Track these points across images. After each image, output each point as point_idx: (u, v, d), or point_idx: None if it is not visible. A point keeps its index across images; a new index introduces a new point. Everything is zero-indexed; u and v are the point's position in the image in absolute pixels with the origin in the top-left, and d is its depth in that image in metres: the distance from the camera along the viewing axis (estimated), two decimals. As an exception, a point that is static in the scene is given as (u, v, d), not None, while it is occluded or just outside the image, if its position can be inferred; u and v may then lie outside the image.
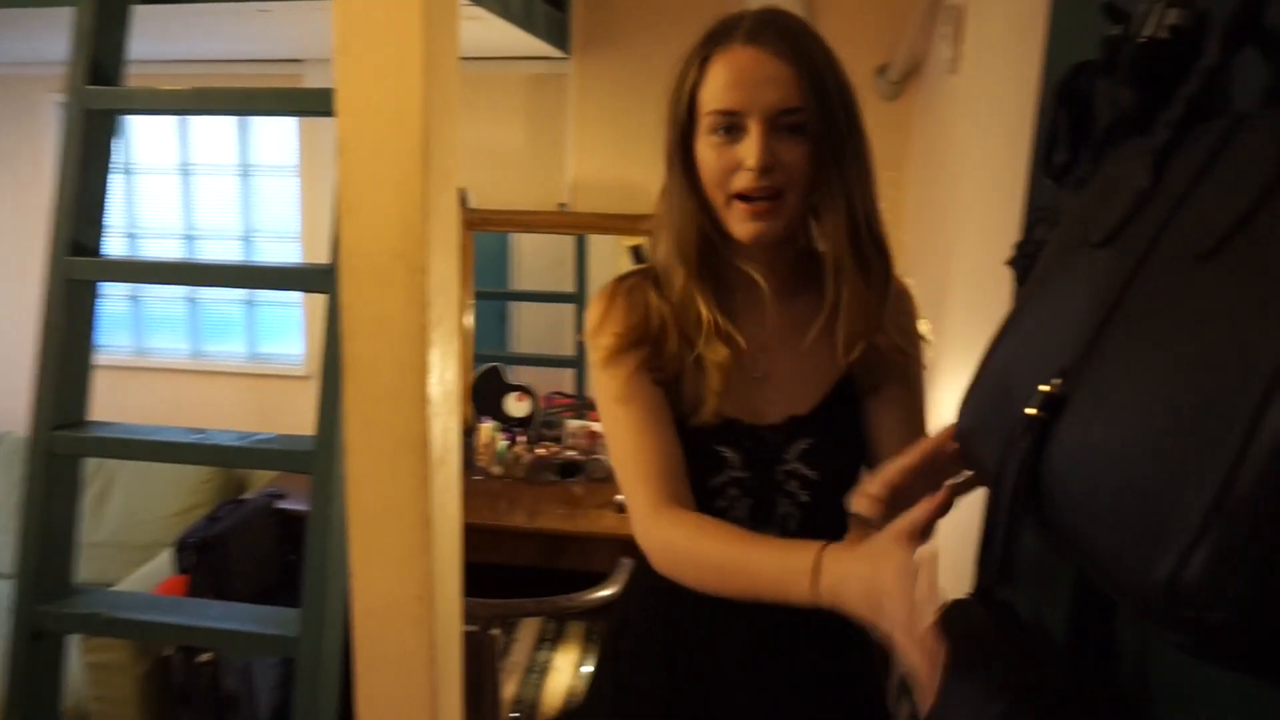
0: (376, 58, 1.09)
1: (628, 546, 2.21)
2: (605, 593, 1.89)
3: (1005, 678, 0.74)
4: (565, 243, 2.87)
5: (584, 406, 2.85)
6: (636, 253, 2.80)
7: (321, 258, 1.36)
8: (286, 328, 3.27)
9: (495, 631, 1.73)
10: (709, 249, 1.03)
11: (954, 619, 0.87)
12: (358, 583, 1.25)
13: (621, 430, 1.04)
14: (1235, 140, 0.48)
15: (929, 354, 1.14)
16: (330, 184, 1.17)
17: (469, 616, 1.76)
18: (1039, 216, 0.74)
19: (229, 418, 3.17)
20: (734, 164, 0.95)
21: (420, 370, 1.16)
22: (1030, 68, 1.07)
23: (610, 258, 2.84)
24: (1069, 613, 0.73)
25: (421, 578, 1.22)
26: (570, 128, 2.70)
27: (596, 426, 2.67)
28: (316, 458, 1.35)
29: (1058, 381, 0.52)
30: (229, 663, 2.00)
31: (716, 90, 0.95)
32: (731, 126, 0.95)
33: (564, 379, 2.98)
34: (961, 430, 0.64)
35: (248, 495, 2.49)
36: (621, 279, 1.11)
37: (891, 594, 0.67)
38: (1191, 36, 0.54)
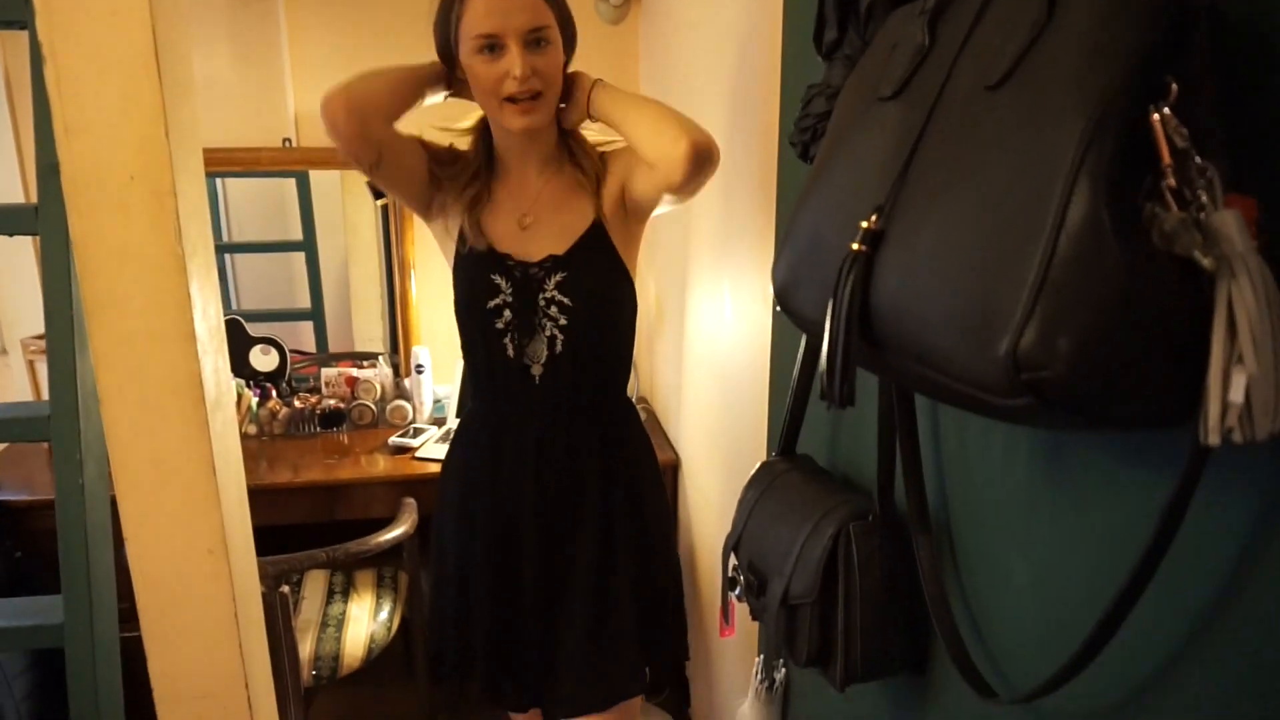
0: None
1: (408, 487, 2.17)
2: (396, 533, 1.84)
3: (813, 506, 0.84)
4: (285, 185, 2.65)
5: (326, 360, 2.69)
6: (374, 187, 2.66)
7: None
8: None
9: (284, 589, 1.63)
10: (489, 138, 1.37)
11: (762, 475, 0.96)
12: (135, 547, 1.14)
13: None
14: (996, -2, 0.56)
15: None
16: None
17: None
18: (814, 92, 0.80)
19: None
20: (501, 74, 1.20)
21: (182, 305, 1.05)
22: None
23: (339, 197, 2.67)
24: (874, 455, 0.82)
25: (213, 530, 1.13)
26: (285, 55, 2.48)
27: (355, 372, 2.55)
28: (56, 421, 1.19)
29: (875, 218, 0.58)
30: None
31: (477, 17, 1.20)
32: (494, 45, 1.20)
33: (302, 334, 2.77)
34: (779, 287, 0.70)
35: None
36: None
37: None
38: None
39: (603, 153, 1.38)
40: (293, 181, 2.62)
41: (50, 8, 0.96)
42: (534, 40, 1.20)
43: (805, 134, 0.82)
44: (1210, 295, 0.41)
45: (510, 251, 1.36)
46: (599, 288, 1.37)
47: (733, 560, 0.93)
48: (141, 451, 1.09)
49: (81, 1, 0.97)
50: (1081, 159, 0.44)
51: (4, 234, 1.23)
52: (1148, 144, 0.44)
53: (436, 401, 2.56)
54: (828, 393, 0.59)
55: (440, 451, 2.29)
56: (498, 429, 1.43)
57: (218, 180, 2.61)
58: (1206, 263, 0.41)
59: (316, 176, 2.61)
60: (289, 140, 2.51)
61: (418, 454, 2.27)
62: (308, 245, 2.69)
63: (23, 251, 2.54)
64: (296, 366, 2.65)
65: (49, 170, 1.06)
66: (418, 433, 2.39)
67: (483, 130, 1.39)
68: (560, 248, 1.34)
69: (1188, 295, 0.42)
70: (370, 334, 2.81)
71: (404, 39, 2.50)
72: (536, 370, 1.38)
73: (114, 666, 1.21)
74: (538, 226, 1.36)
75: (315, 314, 2.74)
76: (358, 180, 2.63)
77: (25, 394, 2.47)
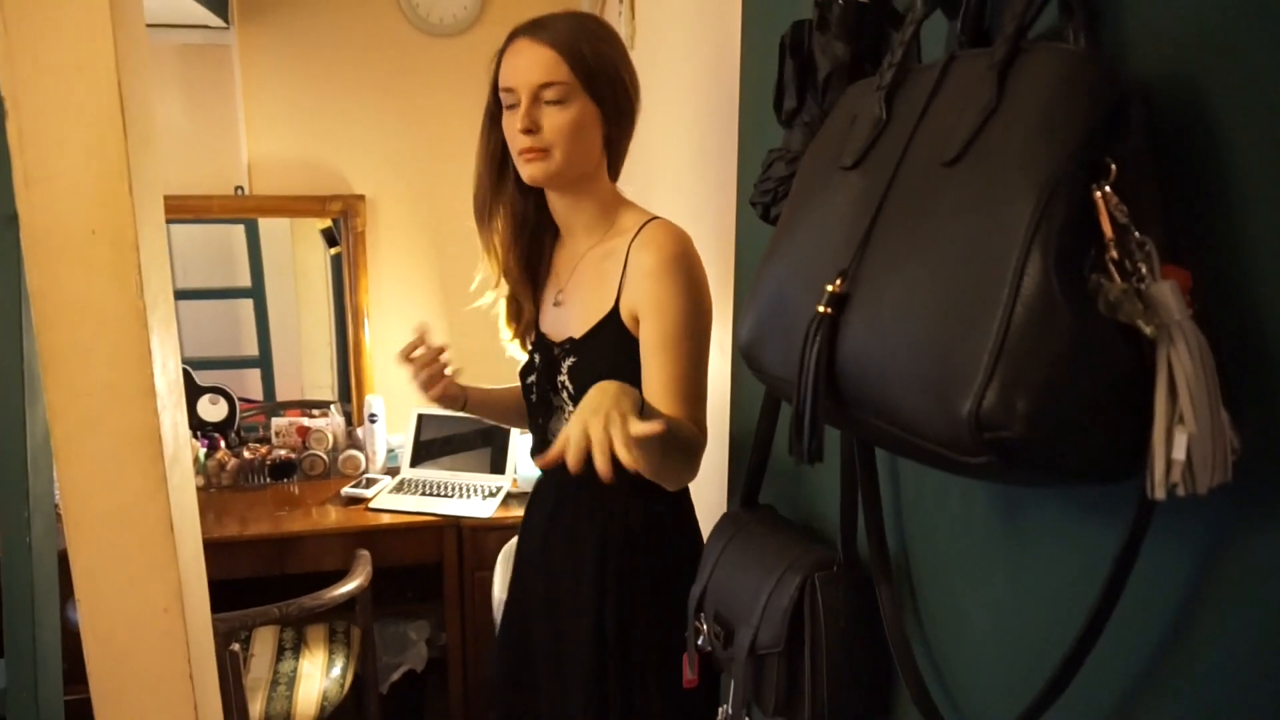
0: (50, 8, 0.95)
1: (361, 538, 2.14)
2: (350, 586, 1.81)
3: (778, 556, 0.86)
4: (234, 232, 2.63)
5: (275, 409, 2.64)
6: (328, 235, 2.66)
7: None
8: None
9: (234, 647, 1.59)
10: (534, 203, 1.33)
11: (725, 526, 0.98)
12: (87, 606, 1.11)
13: None
14: (950, 74, 0.60)
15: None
16: None
17: (198, 636, 1.60)
18: (775, 157, 0.84)
19: None
20: (513, 129, 1.21)
21: (143, 359, 1.05)
22: (728, 35, 1.20)
23: (288, 244, 2.65)
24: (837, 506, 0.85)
25: (169, 588, 1.11)
26: (239, 104, 2.48)
27: (306, 422, 2.52)
28: (3, 475, 1.16)
29: (840, 282, 0.61)
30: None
31: (503, 74, 1.22)
32: (513, 103, 1.21)
33: (249, 381, 2.73)
34: (744, 344, 0.73)
35: None
36: None
37: None
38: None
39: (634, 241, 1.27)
40: (241, 228, 2.60)
41: (13, 61, 0.97)
42: (548, 98, 1.20)
43: (766, 195, 0.86)
44: (1153, 359, 0.45)
45: (545, 329, 1.36)
46: (607, 376, 1.21)
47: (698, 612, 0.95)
48: (97, 507, 1.07)
49: (46, 56, 0.97)
50: (1033, 234, 0.48)
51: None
52: (1092, 219, 0.48)
53: (390, 451, 2.54)
54: (796, 449, 0.62)
55: (393, 502, 2.26)
56: (532, 501, 1.48)
57: (167, 227, 2.58)
58: (1148, 331, 0.45)
59: (266, 223, 2.60)
60: (241, 188, 2.50)
61: (371, 505, 2.25)
62: (256, 292, 2.67)
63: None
64: (245, 415, 2.61)
65: (5, 220, 1.05)
66: (370, 483, 2.36)
67: (482, 201, 1.35)
68: (579, 330, 1.29)
69: (1133, 359, 0.46)
70: (319, 381, 2.78)
71: (357, 89, 2.53)
72: None
73: (57, 732, 1.17)
74: (568, 305, 1.33)
75: (263, 361, 2.71)
76: (308, 227, 2.63)
77: None
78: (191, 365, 2.59)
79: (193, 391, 2.49)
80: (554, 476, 1.41)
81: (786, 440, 0.65)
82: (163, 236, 1.13)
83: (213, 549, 2.08)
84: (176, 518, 1.11)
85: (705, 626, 0.94)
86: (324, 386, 2.78)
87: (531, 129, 1.19)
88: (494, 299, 1.42)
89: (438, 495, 2.32)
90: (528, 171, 1.23)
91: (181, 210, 2.45)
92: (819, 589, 0.80)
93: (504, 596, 1.94)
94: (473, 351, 1.75)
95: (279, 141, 2.53)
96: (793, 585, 0.80)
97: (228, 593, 2.39)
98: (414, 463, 2.47)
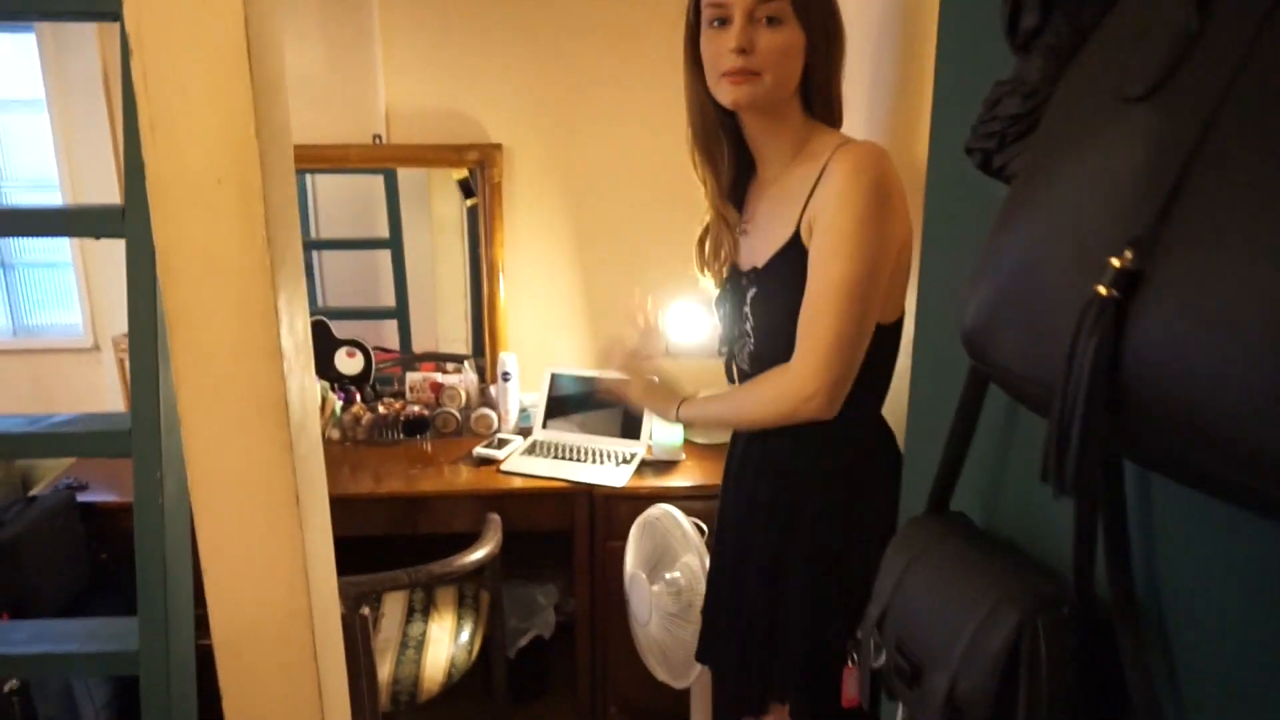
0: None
1: (492, 501, 2.09)
2: (480, 554, 1.76)
3: (983, 586, 0.70)
4: (373, 182, 2.60)
5: (410, 361, 2.63)
6: (465, 186, 2.60)
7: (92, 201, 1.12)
8: (57, 294, 2.80)
9: (364, 611, 1.56)
10: (729, 127, 1.29)
11: (912, 537, 0.82)
12: (212, 576, 1.07)
13: None
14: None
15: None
16: (91, 119, 0.95)
17: (331, 596, 1.58)
18: (1004, 90, 0.67)
19: (-2, 400, 2.71)
20: (722, 48, 1.16)
21: (268, 319, 0.97)
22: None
23: (425, 195, 2.60)
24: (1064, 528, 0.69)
25: (294, 561, 1.05)
26: (378, 50, 2.43)
27: (440, 377, 2.49)
28: (137, 437, 1.13)
29: (1130, 255, 0.45)
30: (44, 686, 1.70)
31: None
32: (722, 19, 1.16)
33: (385, 332, 2.73)
34: (970, 329, 0.57)
35: (38, 491, 2.12)
36: None
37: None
38: None
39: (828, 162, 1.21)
40: (380, 178, 2.57)
41: (140, -5, 0.89)
42: (763, 17, 1.15)
43: (990, 139, 0.68)
44: None
45: (738, 259, 1.35)
46: (782, 311, 1.23)
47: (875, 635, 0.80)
48: (221, 475, 1.02)
49: (171, -12, 0.90)
50: None
51: (89, 236, 1.18)
52: None
53: (523, 410, 2.48)
54: (1052, 476, 0.46)
55: (525, 465, 2.20)
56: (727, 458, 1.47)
57: (306, 176, 2.58)
58: None
59: (404, 174, 2.56)
60: (379, 137, 2.46)
61: (502, 467, 2.19)
62: (394, 243, 2.64)
63: (115, 248, 2.55)
64: (381, 367, 2.61)
65: (135, 171, 0.99)
66: (502, 444, 2.31)
67: (697, 126, 1.32)
68: (761, 259, 1.28)
69: None
70: (454, 335, 2.76)
71: (496, 35, 2.43)
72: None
73: (189, 692, 1.15)
74: (754, 233, 1.32)
75: (400, 313, 2.70)
76: (445, 178, 2.57)
77: (115, 392, 2.48)
78: (330, 315, 2.62)
79: (330, 344, 2.50)
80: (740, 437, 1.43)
81: (991, 437, 0.50)
82: (292, 187, 1.06)
83: (347, 505, 2.10)
84: (303, 488, 1.05)
85: (884, 654, 0.80)
86: (458, 340, 2.75)
87: (746, 48, 1.14)
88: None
89: (570, 460, 2.25)
90: (732, 95, 1.18)
91: (319, 159, 2.43)
92: (1042, 634, 0.64)
93: (636, 572, 1.85)
94: (609, 311, 1.65)
95: (417, 89, 2.47)
96: (1007, 626, 0.65)
97: (360, 549, 2.41)
98: (546, 422, 2.41)
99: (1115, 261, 0.45)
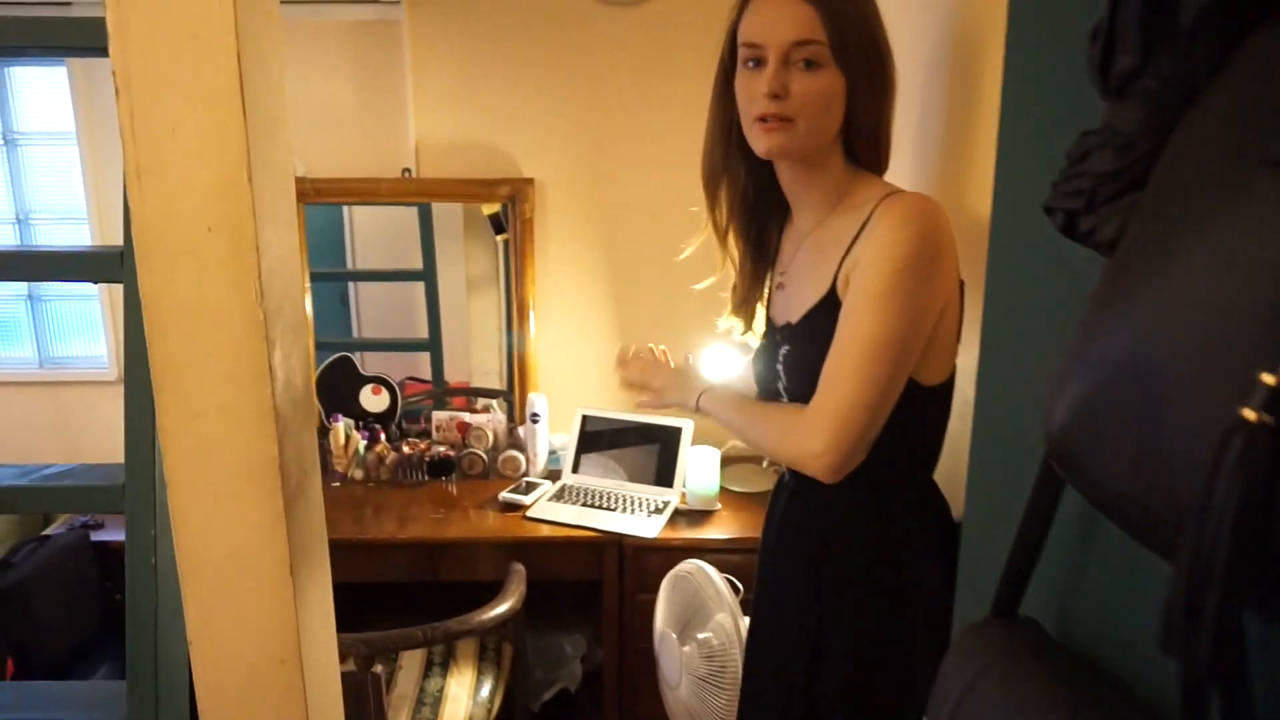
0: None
1: (516, 550, 2.00)
2: (501, 609, 1.67)
3: (1072, 713, 0.60)
4: (408, 215, 2.57)
5: (442, 394, 2.57)
6: (496, 221, 2.54)
7: (119, 240, 1.07)
8: (83, 325, 2.78)
9: (377, 669, 1.47)
10: (765, 175, 1.21)
11: (976, 645, 0.71)
12: (199, 651, 0.99)
13: None
14: None
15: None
16: (120, 152, 0.90)
17: (344, 654, 1.50)
18: (1095, 142, 0.56)
19: (21, 435, 2.68)
20: (756, 92, 1.08)
21: (260, 377, 0.90)
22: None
23: (458, 227, 2.56)
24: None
25: (287, 638, 0.97)
26: (409, 84, 2.39)
27: (467, 417, 2.42)
28: (130, 492, 1.06)
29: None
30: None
31: (747, 26, 1.10)
32: (757, 59, 1.08)
33: (418, 364, 2.69)
34: (1059, 432, 0.47)
35: (53, 530, 2.08)
36: None
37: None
38: None
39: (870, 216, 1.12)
40: (414, 211, 2.54)
41: (126, 31, 0.83)
42: (799, 60, 1.07)
43: (1076, 199, 0.58)
44: None
45: (771, 314, 1.28)
46: (816, 371, 1.13)
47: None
48: (209, 544, 0.94)
49: (161, 22, 0.83)
50: None
51: (87, 281, 1.12)
52: None
53: (552, 453, 2.39)
54: (1175, 646, 0.36)
55: (553, 511, 2.11)
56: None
57: (343, 209, 2.55)
58: None
59: (439, 206, 2.51)
60: (408, 170, 2.42)
61: (529, 513, 2.10)
62: (428, 275, 2.60)
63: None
64: (411, 400, 2.54)
65: (129, 215, 0.93)
66: (530, 487, 2.22)
67: (714, 168, 1.26)
68: (795, 315, 1.19)
69: None
70: (488, 368, 2.70)
71: (529, 68, 2.38)
72: None
73: (181, 770, 1.07)
74: (790, 286, 1.24)
75: (433, 345, 2.65)
76: (480, 213, 2.51)
77: None
78: (364, 347, 2.59)
79: (356, 380, 2.44)
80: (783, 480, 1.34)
81: (1069, 527, 0.39)
82: (293, 234, 0.99)
83: (368, 550, 2.02)
84: (300, 559, 0.97)
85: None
86: (492, 373, 2.70)
87: (779, 94, 1.06)
88: (715, 280, 1.36)
89: (599, 507, 2.15)
90: (765, 143, 1.11)
91: (349, 193, 2.39)
92: (1140, 789, 0.53)
93: (666, 631, 1.75)
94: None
95: (447, 122, 2.42)
96: (1096, 775, 0.54)
97: (381, 594, 2.34)
98: (576, 466, 2.32)
99: (1268, 379, 0.34)
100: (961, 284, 1.13)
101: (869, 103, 1.11)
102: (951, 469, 1.23)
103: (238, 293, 0.88)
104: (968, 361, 1.15)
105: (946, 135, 1.39)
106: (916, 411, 1.13)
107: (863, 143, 1.14)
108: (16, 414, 2.68)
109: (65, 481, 1.08)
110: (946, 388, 1.16)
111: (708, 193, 1.25)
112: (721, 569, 1.76)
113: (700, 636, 1.70)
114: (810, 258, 1.19)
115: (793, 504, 1.28)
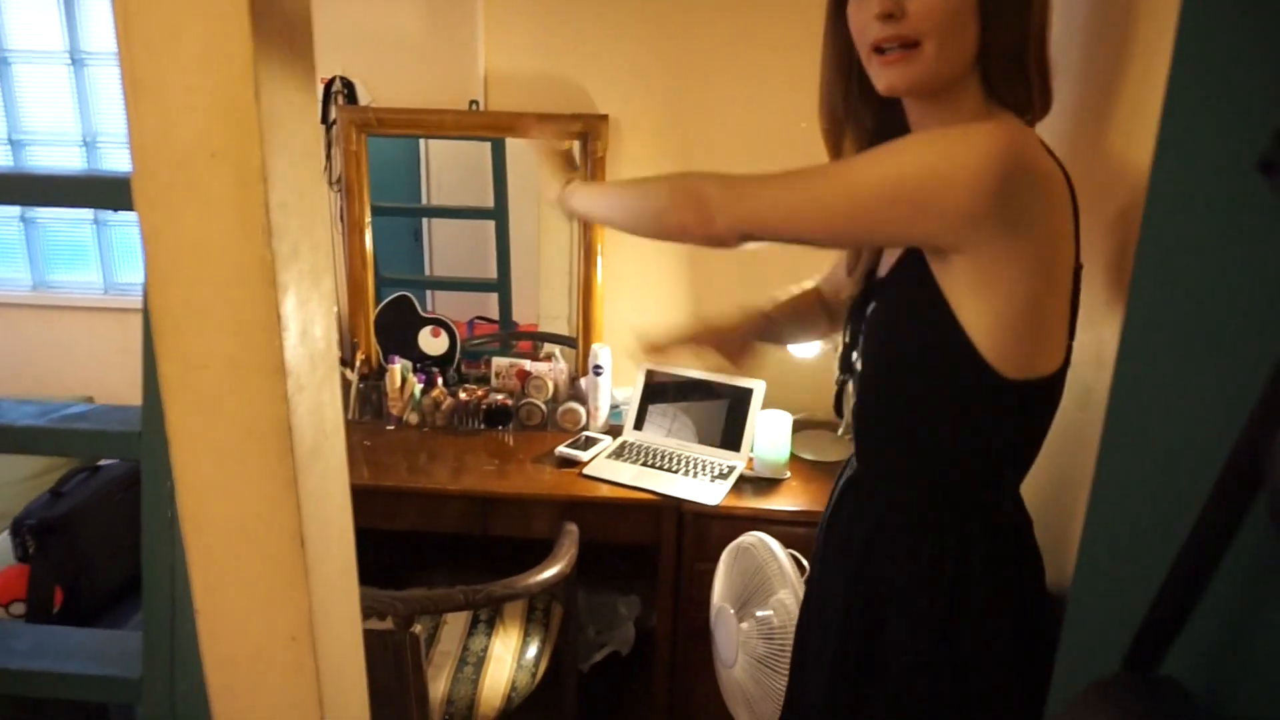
0: None
1: (570, 508, 1.90)
2: (549, 573, 1.58)
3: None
4: (481, 149, 2.45)
5: (508, 337, 2.48)
6: (569, 158, 2.40)
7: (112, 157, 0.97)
8: (78, 250, 2.79)
9: (416, 629, 1.40)
10: (890, 119, 1.03)
11: (1104, 704, 0.57)
12: (206, 622, 0.91)
13: None
14: None
15: None
16: (112, 72, 0.79)
17: (384, 612, 1.43)
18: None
19: (85, 360, 2.70)
20: (868, 14, 0.92)
21: (268, 326, 0.79)
22: None
23: (534, 167, 2.43)
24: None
25: (298, 614, 0.89)
26: (480, 9, 2.25)
27: (528, 365, 2.32)
28: (146, 441, 0.99)
29: None
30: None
31: None
32: None
33: (488, 305, 2.60)
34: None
35: (106, 460, 2.07)
36: None
37: None
38: None
39: None
40: (488, 146, 2.42)
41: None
42: None
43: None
44: None
45: (876, 268, 1.11)
46: (897, 333, 1.01)
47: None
48: (215, 510, 0.85)
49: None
50: None
51: (93, 206, 1.04)
52: None
53: (614, 408, 2.28)
54: None
55: (611, 470, 2.00)
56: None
57: (420, 141, 2.44)
58: None
59: (512, 143, 2.39)
60: (476, 103, 2.29)
61: (585, 470, 2.00)
62: (499, 214, 2.49)
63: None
64: (477, 341, 2.46)
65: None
66: (589, 442, 2.12)
67: (826, 108, 1.10)
68: (884, 269, 1.07)
69: None
70: (556, 312, 2.61)
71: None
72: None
73: (199, 727, 1.01)
74: None
75: (501, 286, 2.55)
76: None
77: (136, 354, 2.44)
78: (433, 286, 2.51)
79: (415, 322, 2.36)
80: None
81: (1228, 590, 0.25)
82: (314, 166, 0.87)
83: (419, 499, 1.96)
84: (313, 529, 0.87)
85: None
86: (560, 318, 2.60)
87: (893, 12, 0.89)
88: None
89: (660, 468, 2.03)
90: (886, 79, 0.94)
91: (413, 125, 2.29)
92: None
93: (724, 605, 1.64)
94: (716, 306, 1.42)
95: (519, 52, 2.28)
96: None
97: (433, 544, 2.28)
98: (639, 423, 2.20)
99: None
100: (1078, 268, 0.95)
101: (1012, 17, 0.91)
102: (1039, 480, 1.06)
103: (242, 230, 0.77)
104: (1080, 349, 0.98)
105: (1086, 67, 1.20)
106: (1015, 409, 0.95)
107: (1002, 72, 0.94)
108: (82, 337, 2.71)
109: (80, 425, 1.01)
110: (1056, 380, 0.96)
111: (828, 144, 1.09)
112: (787, 543, 1.64)
113: (760, 614, 1.59)
114: None
115: (842, 501, 1.14)
